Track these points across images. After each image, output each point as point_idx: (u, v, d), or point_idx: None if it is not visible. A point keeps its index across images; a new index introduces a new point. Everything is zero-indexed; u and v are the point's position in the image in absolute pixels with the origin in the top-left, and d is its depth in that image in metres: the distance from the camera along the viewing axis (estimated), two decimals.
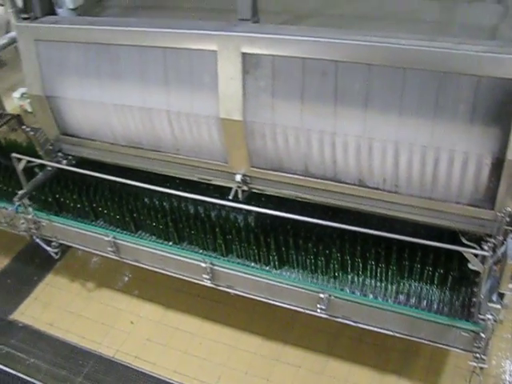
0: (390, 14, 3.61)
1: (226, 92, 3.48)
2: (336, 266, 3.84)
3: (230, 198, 3.83)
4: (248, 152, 3.66)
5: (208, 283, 4.21)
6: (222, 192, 4.09)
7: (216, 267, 4.09)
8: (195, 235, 4.27)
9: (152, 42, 3.64)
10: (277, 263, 4.04)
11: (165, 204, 4.51)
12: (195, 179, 4.11)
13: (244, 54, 3.35)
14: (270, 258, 4.03)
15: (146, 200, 4.58)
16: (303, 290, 3.85)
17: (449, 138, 3.07)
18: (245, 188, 3.85)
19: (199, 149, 3.87)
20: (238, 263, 4.11)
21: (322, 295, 3.76)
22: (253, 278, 3.99)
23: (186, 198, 4.19)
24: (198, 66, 3.55)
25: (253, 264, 4.13)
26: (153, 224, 4.41)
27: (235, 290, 4.17)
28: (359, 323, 3.82)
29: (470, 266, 3.29)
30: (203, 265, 4.10)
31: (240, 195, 3.87)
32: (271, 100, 3.43)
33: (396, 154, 3.26)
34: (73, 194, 4.71)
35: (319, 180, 3.61)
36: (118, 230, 4.58)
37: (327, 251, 3.88)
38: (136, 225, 4.54)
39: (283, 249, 3.97)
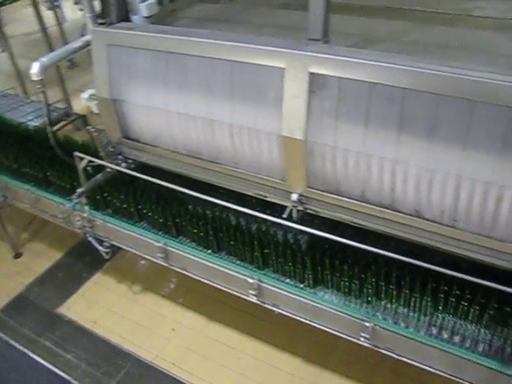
0: (465, 44, 3.53)
1: (290, 110, 3.48)
2: (387, 294, 3.76)
3: (285, 216, 3.80)
4: (306, 172, 3.64)
5: (254, 299, 4.18)
6: (264, 204, 4.09)
7: (263, 284, 4.06)
8: (234, 246, 4.28)
9: (220, 55, 3.67)
10: (327, 284, 3.99)
11: (210, 213, 4.54)
12: (251, 194, 4.10)
13: (311, 74, 3.34)
14: (306, 275, 3.99)
15: (191, 207, 4.61)
16: (348, 317, 3.78)
17: None
18: (300, 208, 3.82)
19: (258, 164, 3.87)
20: (286, 283, 4.07)
21: (367, 324, 3.68)
22: (299, 298, 3.95)
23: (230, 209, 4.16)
24: (263, 82, 3.56)
25: (288, 280, 4.10)
26: (194, 230, 4.44)
27: (280, 308, 4.13)
28: (402, 357, 3.72)
29: None
30: (251, 280, 4.08)
31: (294, 215, 3.84)
32: (334, 122, 3.40)
33: (457, 188, 3.17)
34: (128, 197, 4.78)
35: (375, 207, 3.54)
36: (168, 237, 4.61)
37: (373, 278, 3.79)
38: (182, 231, 4.57)
39: (336, 272, 3.92)
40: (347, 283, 3.86)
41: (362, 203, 3.58)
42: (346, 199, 3.63)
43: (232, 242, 4.26)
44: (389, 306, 3.79)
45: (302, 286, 4.04)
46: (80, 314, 5.98)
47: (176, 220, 4.53)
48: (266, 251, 4.12)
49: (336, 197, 3.66)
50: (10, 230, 6.93)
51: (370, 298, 3.82)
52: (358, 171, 3.48)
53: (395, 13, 4.16)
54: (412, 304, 3.71)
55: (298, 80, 3.39)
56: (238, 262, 4.28)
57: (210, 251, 4.41)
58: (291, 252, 4.03)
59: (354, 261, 3.89)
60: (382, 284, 3.75)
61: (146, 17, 4.28)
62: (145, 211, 4.70)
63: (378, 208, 3.53)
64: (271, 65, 3.46)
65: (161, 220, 4.62)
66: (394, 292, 3.74)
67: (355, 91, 3.25)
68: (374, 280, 3.75)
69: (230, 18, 4.51)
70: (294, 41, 3.47)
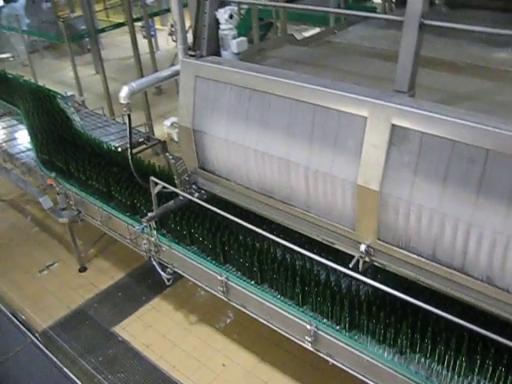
0: None
1: (368, 160, 3.43)
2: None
3: (351, 266, 3.72)
4: (377, 224, 3.56)
5: (309, 346, 4.10)
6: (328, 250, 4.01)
7: (320, 332, 3.98)
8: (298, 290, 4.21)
9: (304, 97, 3.68)
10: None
11: (278, 255, 4.51)
12: (319, 239, 4.05)
13: (394, 126, 3.29)
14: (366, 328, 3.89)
15: (260, 246, 4.58)
16: (406, 379, 3.62)
17: None
18: (367, 259, 3.73)
19: (329, 210, 3.82)
20: (344, 334, 3.96)
21: None
22: (355, 352, 3.83)
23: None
24: (344, 129, 3.53)
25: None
26: (259, 268, 4.41)
27: (334, 359, 4.02)
28: None
29: None
30: (308, 327, 4.00)
31: (361, 266, 3.75)
32: (412, 176, 3.32)
33: None
34: (197, 227, 4.82)
35: (444, 268, 3.40)
36: (231, 272, 4.61)
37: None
38: (245, 267, 4.54)
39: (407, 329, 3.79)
40: (409, 344, 3.73)
41: (432, 262, 3.44)
42: (415, 256, 3.51)
43: (295, 287, 4.21)
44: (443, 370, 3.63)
45: (360, 339, 3.93)
46: (134, 336, 6.02)
47: (242, 256, 4.52)
48: (326, 299, 4.04)
49: (405, 252, 3.55)
50: (79, 244, 7.13)
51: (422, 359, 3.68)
52: (431, 229, 3.37)
53: (484, 71, 4.08)
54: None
55: (379, 130, 3.35)
56: (298, 307, 4.21)
57: (268, 290, 4.37)
58: (350, 303, 3.95)
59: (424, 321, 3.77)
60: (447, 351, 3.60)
61: (236, 53, 4.36)
62: (212, 244, 4.72)
63: (448, 269, 3.39)
64: (354, 112, 3.44)
65: (227, 255, 4.62)
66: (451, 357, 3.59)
67: (436, 148, 3.17)
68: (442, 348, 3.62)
69: (317, 62, 4.54)
70: (379, 91, 3.44)
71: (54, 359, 3.56)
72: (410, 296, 3.51)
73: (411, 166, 3.30)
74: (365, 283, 3.90)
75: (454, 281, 3.40)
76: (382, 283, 3.65)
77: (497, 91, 3.74)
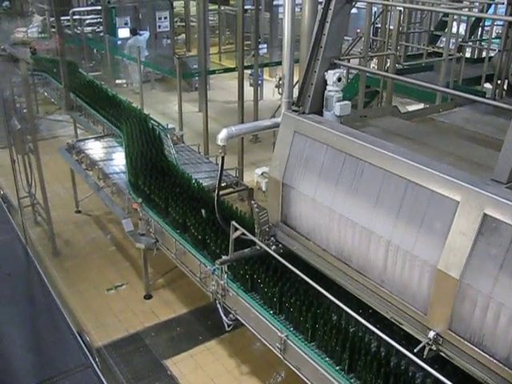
0: None
1: (453, 245, 3.32)
2: None
3: (415, 351, 3.56)
4: (451, 313, 3.41)
5: None
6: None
7: None
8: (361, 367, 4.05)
9: (398, 171, 3.64)
10: None
11: (346, 325, 4.38)
12: (388, 317, 3.92)
13: (485, 215, 3.17)
14: None
15: (331, 313, 4.49)
16: None
17: None
18: (433, 348, 3.57)
19: (403, 289, 3.71)
20: None
21: None
22: None
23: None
24: (434, 210, 3.45)
25: None
26: (324, 336, 4.30)
27: None
28: None
29: None
30: None
31: (426, 353, 3.59)
32: (497, 271, 3.17)
33: None
34: (268, 280, 4.80)
35: None
36: (293, 331, 4.53)
37: None
38: (309, 330, 4.44)
39: None
40: None
41: (505, 367, 3.24)
42: (487, 356, 3.31)
43: (358, 364, 4.07)
44: None
45: None
46: (183, 374, 6.00)
47: (307, 319, 4.43)
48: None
49: (477, 350, 3.36)
50: (149, 271, 7.26)
51: None
52: (509, 331, 3.18)
53: None
54: None
55: (470, 217, 3.24)
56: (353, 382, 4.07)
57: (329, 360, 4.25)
58: None
59: None
60: None
61: (338, 116, 4.40)
62: (281, 299, 4.67)
63: None
64: (446, 195, 3.36)
65: (293, 313, 4.56)
66: None
67: None
68: None
69: (417, 137, 4.50)
70: (476, 177, 3.35)
71: (98, 372, 3.61)
72: None
73: (498, 260, 3.16)
74: (425, 372, 3.71)
75: None
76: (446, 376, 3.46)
77: None
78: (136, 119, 8.58)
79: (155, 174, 6.93)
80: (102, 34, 16.12)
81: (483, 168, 3.56)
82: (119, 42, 16.21)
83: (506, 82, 6.42)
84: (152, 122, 8.91)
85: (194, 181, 6.84)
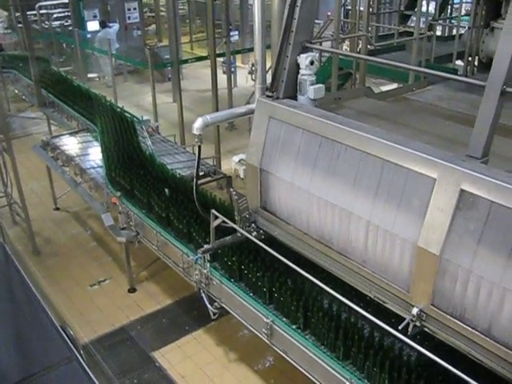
0: None
1: (432, 222, 3.35)
2: None
3: (400, 328, 3.61)
4: (433, 289, 3.45)
5: None
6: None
7: None
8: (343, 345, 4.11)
9: (374, 151, 3.66)
10: None
11: (331, 306, 4.43)
12: (371, 296, 3.96)
13: (462, 191, 3.21)
14: None
15: (315, 295, 4.52)
16: None
17: None
18: (417, 324, 3.61)
19: (385, 268, 3.74)
20: None
21: None
22: None
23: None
24: (411, 188, 3.48)
25: None
26: (310, 318, 4.35)
27: None
28: None
29: None
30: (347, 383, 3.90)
31: (410, 329, 3.63)
32: (475, 245, 3.22)
33: None
34: (251, 266, 4.82)
35: (501, 346, 3.24)
36: (279, 316, 4.55)
37: None
38: (295, 314, 4.47)
39: None
40: None
41: (487, 338, 3.29)
42: (469, 329, 3.37)
43: (341, 341, 4.12)
44: None
45: None
46: (171, 365, 6.01)
47: (291, 302, 4.46)
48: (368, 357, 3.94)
49: (459, 323, 3.41)
50: (132, 264, 7.23)
51: None
52: (489, 303, 3.23)
53: None
54: None
55: (447, 194, 3.28)
56: (340, 362, 4.11)
57: (315, 342, 4.29)
58: (393, 364, 3.84)
59: None
60: None
61: (312, 99, 4.40)
62: (263, 285, 4.69)
63: (504, 349, 3.24)
64: (423, 173, 3.39)
65: (278, 298, 4.58)
66: None
67: (505, 218, 3.07)
68: None
69: (391, 117, 4.53)
70: (452, 154, 3.38)
71: (94, 378, 3.59)
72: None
73: (476, 235, 3.20)
74: (411, 348, 3.76)
75: (510, 362, 3.24)
76: (430, 350, 3.51)
77: None
78: (110, 113, 8.51)
79: (132, 166, 6.90)
80: (70, 28, 15.88)
81: (458, 144, 3.60)
82: (89, 36, 16.01)
83: (477, 58, 6.48)
84: (126, 114, 8.84)
85: (171, 171, 6.81)
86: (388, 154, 3.58)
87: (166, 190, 6.19)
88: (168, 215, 5.89)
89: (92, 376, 3.60)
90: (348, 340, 4.08)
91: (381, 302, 3.88)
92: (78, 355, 3.80)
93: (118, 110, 8.92)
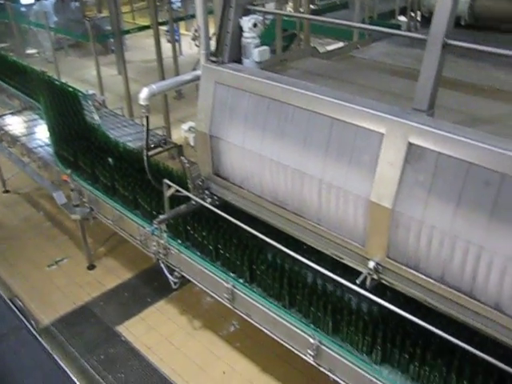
0: None
1: (382, 177, 3.41)
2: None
3: (358, 282, 3.69)
4: (387, 242, 3.53)
5: (310, 360, 4.07)
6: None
7: (323, 346, 3.95)
8: (301, 301, 4.21)
9: (322, 110, 3.68)
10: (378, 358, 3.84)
11: (285, 264, 4.50)
12: (328, 253, 4.03)
13: (410, 144, 3.26)
14: (374, 351, 3.83)
15: (268, 254, 4.58)
16: None
17: None
18: (375, 277, 3.70)
19: (340, 225, 3.80)
20: (347, 350, 3.93)
21: None
22: (358, 370, 3.80)
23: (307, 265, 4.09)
24: (361, 144, 3.52)
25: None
26: (266, 278, 4.41)
27: (336, 375, 3.99)
28: None
29: None
30: (311, 340, 3.98)
31: (368, 283, 3.72)
32: (425, 196, 3.29)
33: None
34: (206, 233, 4.83)
35: (453, 291, 3.36)
36: (238, 280, 4.60)
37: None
38: (254, 276, 4.54)
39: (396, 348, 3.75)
40: (414, 366, 3.69)
41: (440, 285, 3.41)
42: (423, 277, 3.47)
43: (299, 297, 4.20)
44: None
45: (363, 357, 3.90)
46: (137, 337, 6.02)
47: (249, 264, 4.51)
48: (330, 313, 4.03)
49: (414, 273, 3.51)
50: (89, 241, 7.16)
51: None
52: (441, 251, 3.33)
53: (506, 95, 4.05)
54: None
55: (395, 148, 3.33)
56: (303, 320, 4.19)
57: (275, 302, 4.35)
58: (356, 320, 3.93)
59: (424, 343, 3.72)
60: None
61: (257, 62, 4.37)
62: (220, 250, 4.72)
63: (456, 293, 3.35)
64: (371, 128, 3.43)
65: (235, 262, 4.62)
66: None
67: (452, 169, 3.15)
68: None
69: (338, 75, 4.54)
70: (398, 108, 3.43)
71: (45, 345, 3.58)
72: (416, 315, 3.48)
73: (425, 186, 3.28)
74: (372, 301, 3.86)
75: (462, 305, 3.36)
76: (389, 302, 3.61)
77: None
78: (53, 89, 8.28)
79: (81, 142, 6.76)
80: (2, 2, 15.22)
81: (405, 99, 3.62)
82: (23, 9, 15.40)
83: (419, 13, 6.53)
84: (71, 89, 8.62)
85: (121, 144, 6.71)
86: (336, 112, 3.60)
87: (110, 160, 6.17)
88: (121, 188, 5.81)
89: (43, 343, 3.59)
90: (308, 297, 4.16)
91: (338, 259, 3.96)
92: (28, 324, 3.78)
93: (62, 85, 8.68)
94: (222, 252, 4.73)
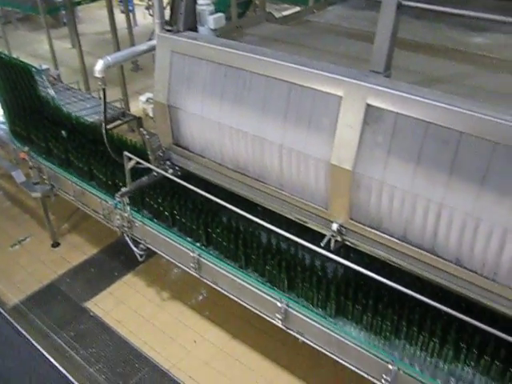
0: None
1: (342, 139, 3.44)
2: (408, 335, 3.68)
3: (322, 245, 3.74)
4: (350, 203, 3.58)
5: (279, 323, 4.13)
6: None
7: (290, 309, 4.01)
8: (264, 265, 4.27)
9: (280, 75, 3.67)
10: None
11: (247, 230, 4.55)
12: (292, 218, 4.06)
13: (368, 106, 3.30)
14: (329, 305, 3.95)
15: (232, 222, 4.62)
16: (373, 357, 3.68)
17: None
18: (338, 239, 3.76)
19: (302, 189, 3.84)
20: (315, 312, 4.00)
21: (391, 366, 3.58)
22: (325, 330, 3.88)
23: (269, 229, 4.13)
24: (319, 108, 3.54)
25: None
26: (228, 245, 4.47)
27: (304, 337, 4.06)
28: None
29: None
30: (279, 304, 4.04)
31: (332, 245, 3.78)
32: (385, 157, 3.34)
33: (502, 241, 3.05)
34: (170, 203, 4.81)
35: (415, 248, 3.45)
36: (204, 248, 4.62)
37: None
38: (217, 244, 4.58)
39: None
40: (372, 320, 3.80)
41: (403, 243, 3.49)
42: (386, 236, 3.55)
43: (262, 262, 4.25)
44: (408, 347, 3.71)
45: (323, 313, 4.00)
46: (106, 312, 6.02)
47: (213, 232, 4.53)
48: (294, 275, 4.10)
49: (377, 233, 3.59)
50: (52, 219, 7.06)
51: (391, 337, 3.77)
52: (402, 210, 3.40)
53: (461, 55, 4.10)
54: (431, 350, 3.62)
55: (354, 110, 3.36)
56: (269, 284, 4.24)
57: (241, 268, 4.39)
58: (319, 280, 4.00)
59: (381, 297, 3.82)
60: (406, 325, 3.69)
61: (213, 29, 4.32)
62: (184, 220, 4.71)
63: (418, 250, 3.44)
64: (329, 91, 3.44)
65: (198, 231, 4.63)
66: (416, 334, 3.66)
67: (410, 128, 3.20)
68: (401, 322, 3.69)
69: (294, 40, 4.53)
70: (355, 71, 3.44)
71: (19, 328, 3.57)
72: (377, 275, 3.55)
73: (384, 147, 3.32)
74: (336, 263, 3.92)
75: (424, 262, 3.46)
76: (353, 263, 3.68)
77: (472, 75, 3.77)
78: (4, 65, 8.02)
79: (37, 118, 6.61)
80: None
81: (362, 61, 3.64)
82: None
83: None
84: (23, 64, 8.37)
85: (78, 119, 6.59)
86: (293, 77, 3.60)
87: (63, 132, 6.08)
88: (82, 163, 5.73)
89: (13, 322, 3.57)
90: (272, 261, 4.21)
91: (302, 223, 4.00)
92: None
93: (14, 60, 8.42)
94: (183, 220, 4.73)
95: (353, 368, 3.85)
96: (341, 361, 3.91)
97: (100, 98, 5.14)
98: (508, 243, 3.03)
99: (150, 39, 5.29)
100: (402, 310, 3.75)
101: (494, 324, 3.20)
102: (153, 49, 4.68)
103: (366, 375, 3.80)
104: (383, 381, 3.66)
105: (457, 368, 3.57)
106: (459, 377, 3.54)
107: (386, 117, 3.27)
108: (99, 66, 4.53)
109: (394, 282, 3.47)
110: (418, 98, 3.13)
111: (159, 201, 4.91)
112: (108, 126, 5.13)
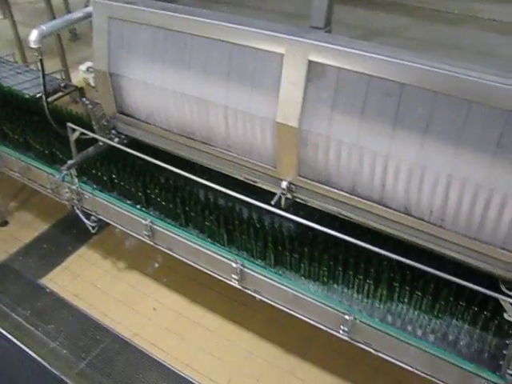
0: (466, 45, 3.51)
1: (286, 97, 3.45)
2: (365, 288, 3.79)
3: (273, 203, 3.78)
4: (298, 160, 3.62)
5: (236, 284, 4.19)
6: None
7: (246, 269, 4.06)
8: (218, 228, 4.29)
9: (220, 36, 3.63)
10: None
11: (199, 194, 4.58)
12: (241, 178, 4.08)
13: (310, 62, 3.30)
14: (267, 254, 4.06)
15: (183, 187, 4.60)
16: (330, 309, 3.78)
17: (506, 180, 2.95)
18: (289, 196, 3.80)
19: (250, 149, 3.85)
20: (270, 270, 4.06)
21: (347, 317, 3.69)
22: (281, 287, 3.95)
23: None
24: (262, 67, 3.53)
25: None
26: (177, 209, 4.48)
27: (261, 295, 4.13)
28: (380, 352, 3.73)
29: (506, 316, 3.17)
30: (234, 265, 4.08)
31: (283, 203, 3.82)
32: (330, 112, 3.37)
33: (447, 188, 3.15)
34: (118, 172, 4.76)
35: (364, 200, 3.53)
36: (156, 216, 4.61)
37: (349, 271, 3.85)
38: (168, 210, 4.57)
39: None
40: (328, 273, 3.90)
41: (352, 196, 3.56)
42: (335, 191, 3.61)
43: (215, 225, 4.27)
44: (365, 299, 3.83)
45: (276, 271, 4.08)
46: (62, 287, 5.96)
47: (163, 198, 4.51)
48: (248, 235, 4.15)
49: (326, 188, 3.64)
50: None
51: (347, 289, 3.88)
52: (350, 164, 3.46)
53: (400, 8, 4.14)
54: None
55: (296, 67, 3.36)
56: (223, 246, 4.28)
57: (194, 232, 4.41)
58: (273, 238, 4.06)
59: (337, 252, 3.91)
60: (362, 277, 3.79)
61: None
62: (133, 188, 4.68)
63: (368, 202, 3.52)
64: (271, 50, 3.43)
65: (150, 198, 4.61)
66: (373, 286, 3.78)
67: (353, 83, 3.23)
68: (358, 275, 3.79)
69: (233, 0, 4.47)
70: (296, 27, 3.44)
71: None
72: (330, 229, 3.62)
73: (329, 102, 3.35)
74: (288, 220, 3.97)
75: (374, 213, 3.54)
76: (304, 218, 3.74)
77: (412, 27, 3.82)
78: None
79: None
80: None
81: (303, 19, 3.63)
82: None
83: None
84: None
85: (18, 92, 6.39)
86: (234, 37, 3.57)
87: None
88: (25, 138, 5.57)
89: None
90: (226, 224, 4.24)
91: (252, 183, 4.02)
92: None
93: None
94: (135, 189, 4.70)
95: (311, 322, 3.95)
96: (299, 316, 3.99)
97: (38, 70, 4.99)
98: (453, 189, 3.13)
99: (86, 6, 5.13)
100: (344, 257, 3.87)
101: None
102: (89, 16, 4.55)
103: (324, 328, 3.90)
104: (341, 332, 3.78)
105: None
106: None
107: (328, 72, 3.29)
108: (34, 35, 4.40)
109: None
110: (359, 52, 3.16)
111: (97, 166, 4.85)
112: (49, 99, 4.97)
